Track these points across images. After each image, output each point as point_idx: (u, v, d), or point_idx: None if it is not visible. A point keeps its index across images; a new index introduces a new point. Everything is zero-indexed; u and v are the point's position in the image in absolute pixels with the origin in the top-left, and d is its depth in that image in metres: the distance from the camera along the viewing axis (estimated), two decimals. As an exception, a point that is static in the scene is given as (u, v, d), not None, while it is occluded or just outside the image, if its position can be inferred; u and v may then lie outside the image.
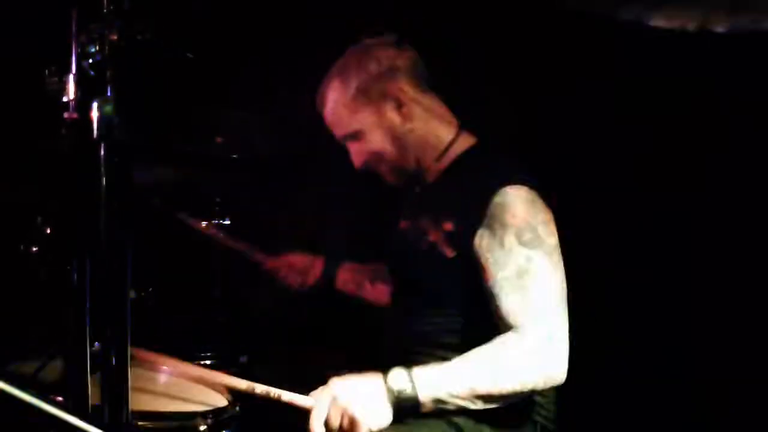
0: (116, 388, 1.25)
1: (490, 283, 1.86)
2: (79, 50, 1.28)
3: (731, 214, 2.29)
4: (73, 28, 1.28)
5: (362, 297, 2.51)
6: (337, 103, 2.12)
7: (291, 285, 2.57)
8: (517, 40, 2.56)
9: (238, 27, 2.92)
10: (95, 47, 1.26)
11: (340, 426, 1.75)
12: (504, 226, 1.87)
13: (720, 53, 2.08)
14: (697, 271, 2.36)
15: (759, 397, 2.27)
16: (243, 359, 2.54)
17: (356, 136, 2.12)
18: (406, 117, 2.08)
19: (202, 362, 2.44)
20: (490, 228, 1.88)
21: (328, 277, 2.54)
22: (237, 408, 1.82)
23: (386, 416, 1.76)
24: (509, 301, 1.82)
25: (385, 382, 1.77)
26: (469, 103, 2.24)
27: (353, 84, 2.09)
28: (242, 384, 1.84)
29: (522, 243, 1.85)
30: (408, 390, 1.76)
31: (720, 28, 1.60)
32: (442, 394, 1.77)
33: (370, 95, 2.08)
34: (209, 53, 2.88)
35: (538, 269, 1.84)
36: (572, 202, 2.24)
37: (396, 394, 1.76)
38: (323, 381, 1.82)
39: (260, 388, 1.81)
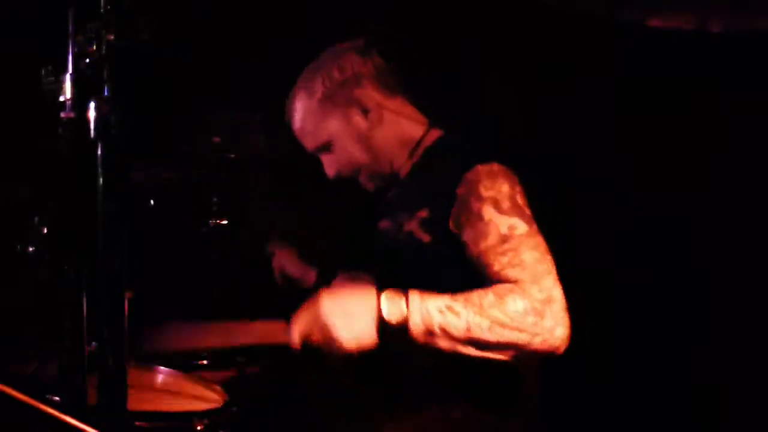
0: (113, 388, 1.25)
1: (475, 255, 1.82)
2: (76, 50, 1.28)
3: (731, 214, 2.29)
4: (70, 28, 1.28)
5: None
6: (304, 113, 2.13)
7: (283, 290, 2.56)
8: (517, 40, 2.56)
9: (237, 27, 2.92)
10: (92, 47, 1.26)
11: (318, 341, 1.74)
12: (480, 198, 1.84)
13: (719, 53, 2.08)
14: (697, 271, 2.35)
15: (759, 398, 2.27)
16: (241, 359, 2.53)
17: (327, 147, 2.13)
18: (373, 122, 2.08)
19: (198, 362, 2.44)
20: (466, 204, 1.86)
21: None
22: (234, 408, 1.82)
23: (369, 337, 1.73)
24: (499, 264, 1.78)
25: (378, 304, 1.73)
26: (472, 104, 2.25)
27: (318, 93, 2.09)
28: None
29: (501, 212, 1.82)
30: (399, 317, 1.72)
31: (719, 28, 1.59)
32: (436, 329, 1.72)
33: (335, 102, 2.08)
34: (207, 53, 2.88)
35: (522, 234, 1.80)
36: (572, 202, 2.24)
37: (386, 318, 1.72)
38: (320, 380, 1.82)
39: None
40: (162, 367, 2.00)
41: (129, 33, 1.25)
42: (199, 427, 1.70)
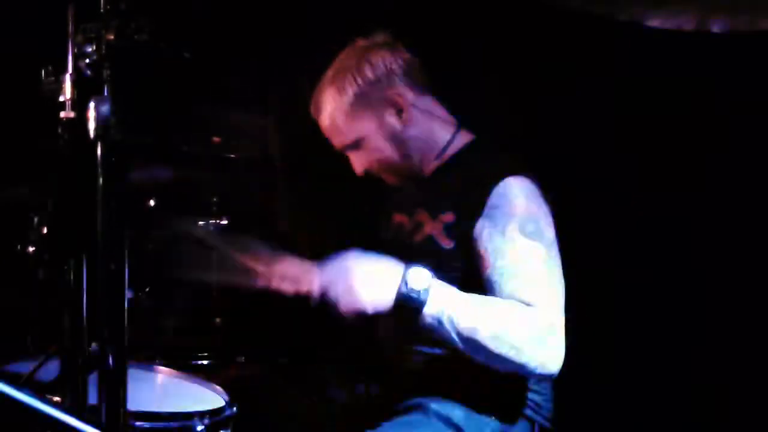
0: (113, 389, 1.25)
1: (489, 271, 1.83)
2: (75, 50, 1.28)
3: (731, 214, 2.29)
4: (70, 28, 1.28)
5: None
6: (334, 111, 2.07)
7: (284, 293, 2.55)
8: (517, 39, 2.56)
9: (237, 27, 2.92)
10: (92, 47, 1.26)
11: (337, 293, 1.76)
12: (506, 215, 1.85)
13: (719, 53, 2.08)
14: (697, 271, 2.35)
15: (759, 398, 2.27)
16: (240, 359, 2.54)
17: (357, 144, 2.09)
18: (406, 121, 2.05)
19: (198, 362, 2.44)
20: (491, 218, 1.87)
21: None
22: (234, 408, 1.82)
23: (386, 304, 1.75)
24: (511, 285, 1.80)
25: (404, 273, 1.75)
26: (468, 103, 2.24)
27: (350, 91, 2.05)
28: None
29: (524, 234, 1.83)
30: (420, 294, 1.74)
31: (719, 28, 1.59)
32: (446, 318, 1.75)
33: (368, 102, 2.04)
34: (207, 53, 2.88)
35: (539, 259, 1.82)
36: (572, 202, 2.24)
37: (407, 290, 1.74)
38: (321, 380, 1.82)
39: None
40: (162, 367, 2.00)
41: (129, 33, 1.25)
42: (199, 427, 1.70)
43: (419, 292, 1.74)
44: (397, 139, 2.06)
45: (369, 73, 2.05)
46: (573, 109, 2.47)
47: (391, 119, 2.05)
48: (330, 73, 2.11)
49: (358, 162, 2.12)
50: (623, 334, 2.42)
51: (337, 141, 2.13)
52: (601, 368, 2.39)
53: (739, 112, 2.26)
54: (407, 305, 1.74)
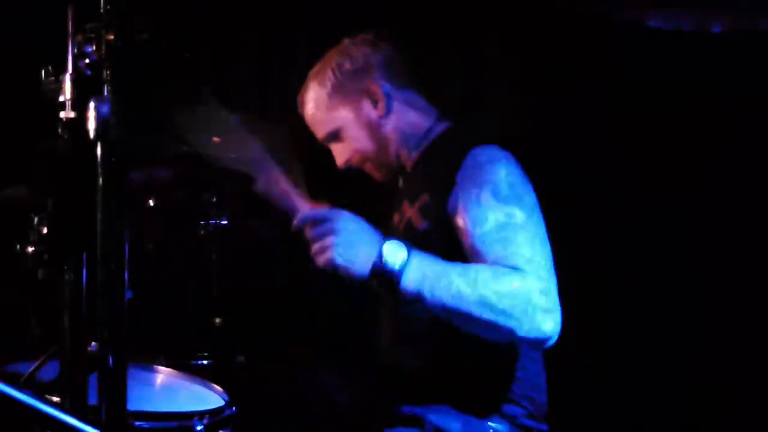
0: (113, 389, 1.25)
1: (470, 241, 1.80)
2: (75, 50, 1.27)
3: (731, 214, 2.29)
4: (70, 28, 1.28)
5: None
6: (315, 103, 2.15)
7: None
8: (517, 39, 2.56)
9: (237, 27, 2.92)
10: (92, 47, 1.26)
11: (315, 242, 1.75)
12: (478, 184, 1.83)
13: (719, 53, 2.08)
14: (697, 271, 2.35)
15: (759, 398, 2.27)
16: (240, 359, 2.54)
17: (336, 135, 2.14)
18: (381, 111, 2.09)
19: (198, 362, 2.44)
20: (464, 189, 1.85)
21: None
22: (234, 408, 1.82)
23: (359, 272, 1.73)
24: (494, 251, 1.76)
25: (380, 246, 1.73)
26: (473, 104, 2.24)
27: (329, 84, 2.12)
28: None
29: (499, 199, 1.80)
30: (395, 267, 1.72)
31: (719, 28, 1.60)
32: (426, 290, 1.71)
33: (346, 92, 2.10)
34: (208, 53, 2.88)
35: (519, 222, 1.78)
36: (572, 202, 2.24)
37: (381, 264, 1.72)
38: (317, 379, 1.81)
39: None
40: (162, 367, 2.00)
41: (129, 33, 1.25)
42: (198, 427, 1.70)
43: (394, 265, 1.72)
44: (373, 129, 2.11)
45: (348, 65, 2.11)
46: (573, 109, 2.48)
47: (368, 109, 2.10)
48: (314, 69, 2.18)
49: (339, 154, 2.17)
50: (623, 334, 2.42)
51: (319, 133, 2.18)
52: (601, 368, 2.39)
53: (739, 112, 2.26)
54: (383, 278, 1.72)
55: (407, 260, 1.72)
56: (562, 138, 2.48)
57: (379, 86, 2.09)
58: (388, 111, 2.10)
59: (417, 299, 1.73)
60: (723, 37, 1.65)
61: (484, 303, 1.69)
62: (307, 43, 2.89)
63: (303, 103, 2.19)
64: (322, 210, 1.80)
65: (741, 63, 2.18)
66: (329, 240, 1.74)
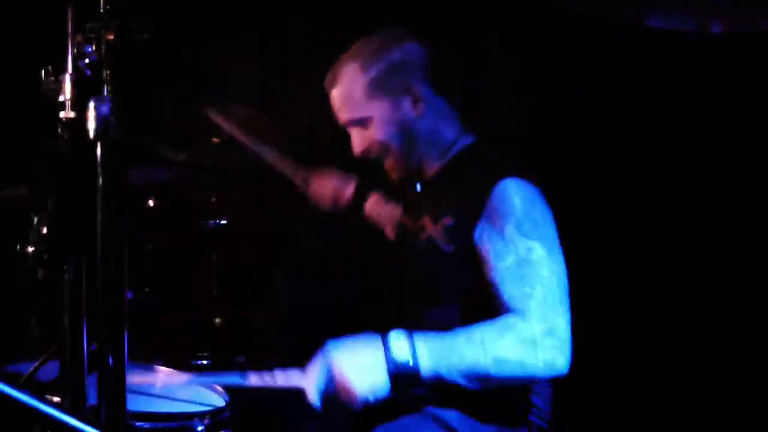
0: (113, 389, 1.24)
1: (491, 274, 1.84)
2: (75, 50, 1.27)
3: (731, 214, 2.29)
4: (70, 28, 1.28)
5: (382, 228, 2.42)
6: (351, 85, 2.06)
7: (323, 207, 2.51)
8: (517, 39, 2.56)
9: (237, 27, 2.92)
10: (92, 47, 1.26)
11: (337, 395, 1.75)
12: (503, 216, 1.85)
13: (719, 53, 2.08)
14: (697, 271, 2.35)
15: (759, 398, 2.27)
16: (240, 359, 2.54)
17: (363, 122, 2.08)
18: (420, 113, 2.06)
19: (198, 362, 2.44)
20: (490, 219, 1.87)
21: (359, 201, 2.45)
22: (234, 409, 1.82)
23: (384, 387, 1.75)
24: (510, 289, 1.81)
25: (386, 352, 1.76)
26: (471, 104, 2.24)
27: (374, 71, 2.04)
28: None
29: (522, 233, 1.83)
30: (410, 363, 1.75)
31: (719, 28, 1.60)
32: (443, 370, 1.76)
33: (389, 85, 2.04)
34: (208, 53, 2.88)
35: (538, 260, 1.82)
36: (572, 202, 2.24)
37: (396, 366, 1.75)
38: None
39: (254, 379, 1.80)
40: (162, 367, 2.00)
41: (129, 33, 1.25)
42: (199, 428, 1.70)
43: (407, 361, 1.75)
44: (406, 128, 2.06)
45: (396, 57, 2.05)
46: (573, 110, 2.48)
47: (408, 108, 2.06)
48: (356, 47, 2.10)
49: (359, 141, 2.11)
50: (623, 334, 2.42)
51: (345, 115, 2.11)
52: (601, 368, 2.39)
53: (738, 112, 2.26)
54: (402, 379, 1.75)
55: (414, 350, 1.75)
56: (562, 138, 2.48)
57: (422, 87, 2.05)
58: (423, 114, 2.07)
59: (437, 379, 1.76)
60: (723, 37, 1.65)
61: (498, 361, 1.75)
62: (307, 43, 2.89)
63: (335, 81, 2.09)
64: (315, 374, 1.78)
65: (741, 63, 2.18)
66: (344, 387, 1.75)
